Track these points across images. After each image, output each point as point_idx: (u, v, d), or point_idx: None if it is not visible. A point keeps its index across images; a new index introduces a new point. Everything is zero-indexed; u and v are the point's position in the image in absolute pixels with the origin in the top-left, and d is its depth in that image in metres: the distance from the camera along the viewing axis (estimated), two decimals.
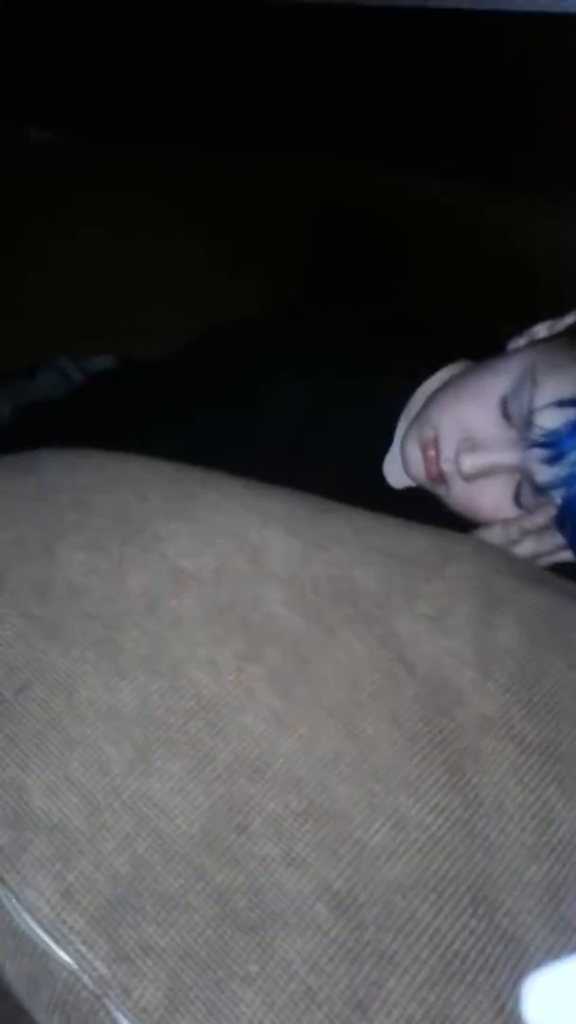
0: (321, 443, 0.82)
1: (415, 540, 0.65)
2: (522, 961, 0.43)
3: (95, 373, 0.99)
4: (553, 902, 0.46)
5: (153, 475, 0.63)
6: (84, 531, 0.54)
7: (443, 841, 0.46)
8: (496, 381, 0.76)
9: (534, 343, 0.81)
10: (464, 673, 0.55)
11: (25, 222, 1.09)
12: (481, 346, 0.85)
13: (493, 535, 0.77)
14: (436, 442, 0.77)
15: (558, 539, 0.75)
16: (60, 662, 0.47)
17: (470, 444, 0.75)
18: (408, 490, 0.84)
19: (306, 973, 0.41)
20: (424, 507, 0.78)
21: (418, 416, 0.81)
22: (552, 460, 0.70)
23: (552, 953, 0.44)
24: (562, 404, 0.70)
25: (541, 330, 0.83)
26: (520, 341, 0.83)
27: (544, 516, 0.73)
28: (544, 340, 0.81)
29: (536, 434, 0.71)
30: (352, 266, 1.04)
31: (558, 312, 0.83)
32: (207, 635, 0.52)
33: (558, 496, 0.71)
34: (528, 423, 0.72)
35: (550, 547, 0.76)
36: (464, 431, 0.76)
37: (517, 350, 0.81)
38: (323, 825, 0.46)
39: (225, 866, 0.43)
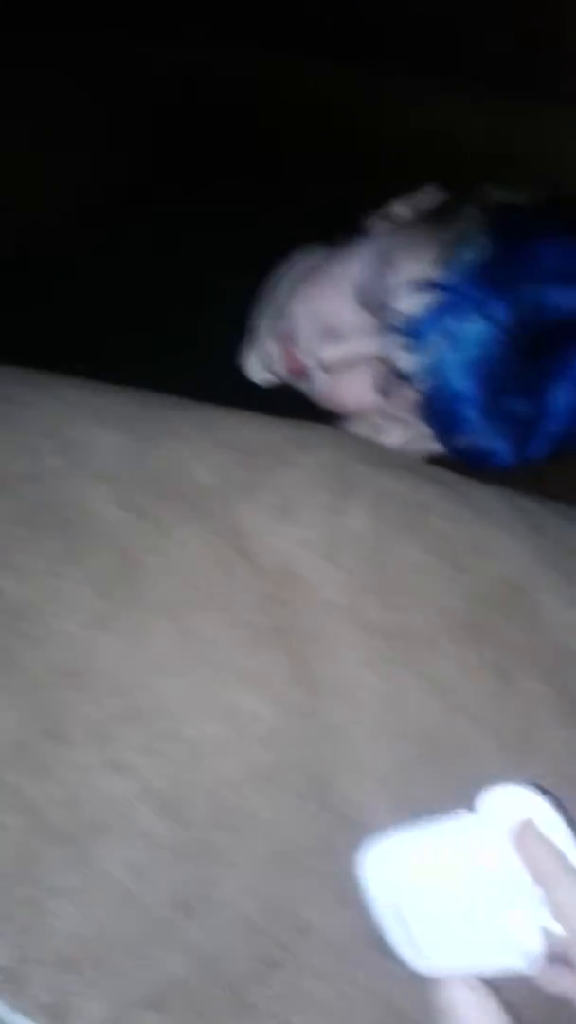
0: (173, 348, 0.77)
1: (268, 432, 0.61)
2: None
3: None
4: (400, 786, 0.44)
5: None
6: None
7: (281, 731, 0.43)
8: (351, 265, 0.71)
9: (392, 225, 0.77)
10: (311, 562, 0.52)
11: None
12: (338, 228, 0.81)
13: (359, 427, 0.74)
14: (294, 335, 0.73)
15: (425, 428, 0.72)
16: None
17: (329, 335, 0.71)
18: (274, 388, 0.80)
19: (127, 879, 0.38)
20: (291, 405, 0.74)
21: (275, 309, 0.76)
22: (412, 347, 0.66)
23: None
24: (420, 288, 0.66)
25: (400, 209, 0.79)
26: (376, 221, 0.79)
27: (405, 403, 0.70)
28: (404, 223, 0.77)
29: (394, 319, 0.67)
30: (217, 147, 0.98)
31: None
32: (18, 539, 0.47)
33: (421, 385, 0.68)
34: (384, 307, 0.68)
35: (417, 435, 0.73)
36: (322, 321, 0.71)
37: (373, 232, 0.77)
38: (148, 726, 0.42)
39: (38, 779, 0.40)
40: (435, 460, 0.73)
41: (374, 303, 0.69)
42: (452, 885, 0.37)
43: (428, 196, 0.76)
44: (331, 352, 0.71)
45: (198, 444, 0.57)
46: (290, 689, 0.46)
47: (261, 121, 0.97)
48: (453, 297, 0.64)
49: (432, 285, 0.65)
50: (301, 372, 0.74)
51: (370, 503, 0.58)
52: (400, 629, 0.50)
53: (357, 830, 0.41)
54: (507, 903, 0.36)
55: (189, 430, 0.59)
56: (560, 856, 0.36)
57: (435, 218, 0.71)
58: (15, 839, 0.38)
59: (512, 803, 0.37)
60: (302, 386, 0.76)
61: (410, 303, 0.66)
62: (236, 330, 0.79)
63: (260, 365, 0.78)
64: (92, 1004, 0.36)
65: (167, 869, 0.39)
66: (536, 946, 0.36)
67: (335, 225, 0.82)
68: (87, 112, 0.88)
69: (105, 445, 0.54)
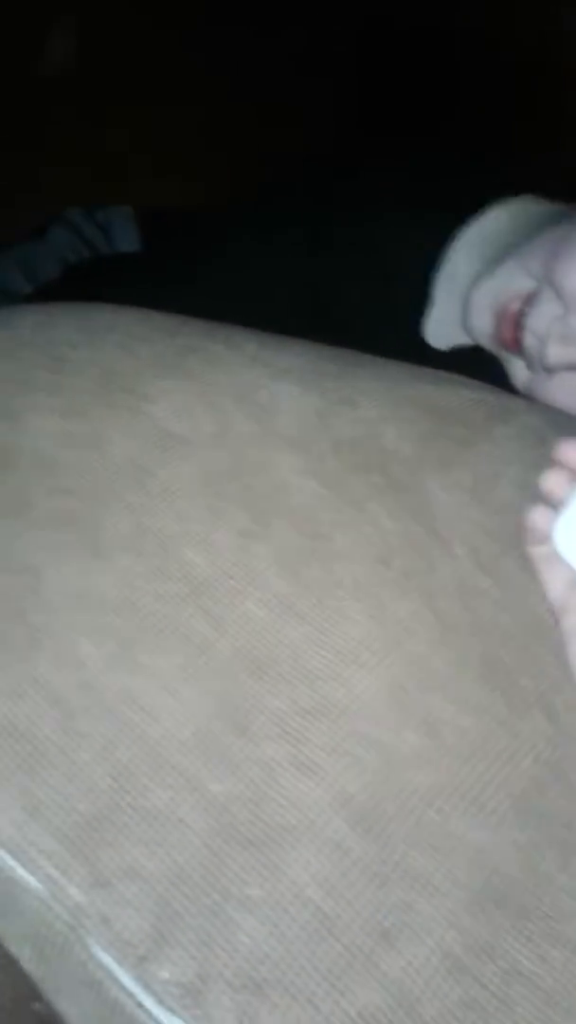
0: (347, 307, 0.71)
1: (463, 397, 0.55)
2: None
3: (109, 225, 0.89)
4: None
5: (146, 328, 0.54)
6: (58, 393, 0.46)
7: (483, 747, 0.39)
8: None
9: None
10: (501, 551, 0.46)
11: None
12: (547, 176, 0.72)
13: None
14: (524, 302, 0.63)
15: None
16: (23, 543, 0.40)
17: (565, 332, 0.61)
18: (458, 351, 0.73)
19: (321, 898, 0.35)
20: (477, 373, 0.63)
21: (502, 259, 0.65)
22: None
23: None
24: None
25: None
26: None
27: None
28: None
29: None
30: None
31: None
32: (203, 509, 0.44)
33: None
34: None
35: None
36: (565, 305, 0.61)
37: None
38: (339, 725, 0.38)
39: (222, 774, 0.37)
40: None
41: None
42: None
43: None
44: (561, 353, 0.61)
45: (389, 404, 0.52)
46: (492, 699, 0.41)
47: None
48: None
49: None
50: (515, 346, 0.64)
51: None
52: None
53: (573, 862, 0.36)
54: None
55: (381, 389, 0.54)
56: None
57: None
58: (200, 839, 0.35)
59: None
60: (505, 359, 0.67)
61: None
62: (417, 295, 0.72)
63: (446, 328, 0.71)
64: None
65: (365, 890, 0.35)
66: None
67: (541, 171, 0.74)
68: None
69: (293, 407, 0.49)
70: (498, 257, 0.66)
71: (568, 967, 0.35)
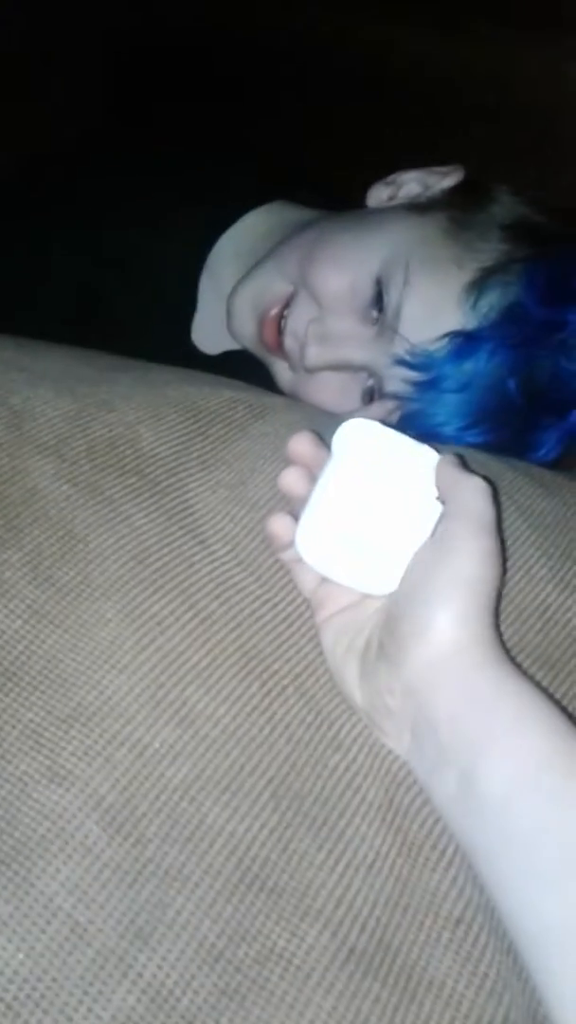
0: (113, 314, 0.71)
1: (221, 396, 0.56)
2: (342, 858, 0.38)
3: None
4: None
5: None
6: None
7: (237, 734, 0.39)
8: (366, 254, 0.61)
9: (406, 206, 0.66)
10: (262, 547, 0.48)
11: None
12: (298, 184, 0.74)
13: None
14: (283, 305, 0.64)
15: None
16: None
17: (321, 333, 0.62)
18: (225, 355, 0.72)
19: (72, 905, 0.34)
20: (244, 375, 0.63)
21: (260, 264, 0.67)
22: (422, 384, 0.58)
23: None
24: (446, 334, 0.57)
25: (412, 184, 0.67)
26: (383, 194, 0.68)
27: (382, 412, 0.62)
28: (418, 207, 0.65)
29: (402, 347, 0.59)
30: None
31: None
32: None
33: (408, 407, 0.60)
34: (394, 328, 0.59)
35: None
36: (320, 307, 0.62)
37: (384, 211, 0.66)
38: (94, 728, 0.38)
39: None
40: None
41: (387, 310, 0.60)
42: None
43: (446, 174, 0.67)
44: (319, 354, 0.62)
45: (148, 406, 0.52)
46: (245, 687, 0.41)
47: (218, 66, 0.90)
48: (472, 343, 0.57)
49: (456, 334, 0.57)
50: (277, 348, 0.65)
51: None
52: None
53: (330, 835, 0.38)
54: None
55: (141, 391, 0.53)
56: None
57: (457, 226, 0.62)
58: None
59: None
60: (269, 361, 0.68)
61: (420, 332, 0.58)
62: (183, 298, 0.72)
63: (212, 332, 0.72)
64: None
65: (116, 892, 0.35)
66: None
67: (291, 178, 0.76)
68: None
69: (48, 411, 0.48)
70: (255, 261, 0.67)
71: (320, 941, 0.36)
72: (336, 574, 0.42)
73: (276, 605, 0.45)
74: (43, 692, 0.39)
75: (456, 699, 0.37)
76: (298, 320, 0.63)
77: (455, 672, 0.38)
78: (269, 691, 0.41)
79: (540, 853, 0.34)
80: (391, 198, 0.68)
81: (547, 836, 0.34)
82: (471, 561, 0.38)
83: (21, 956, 0.33)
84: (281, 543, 0.43)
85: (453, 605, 0.38)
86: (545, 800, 0.35)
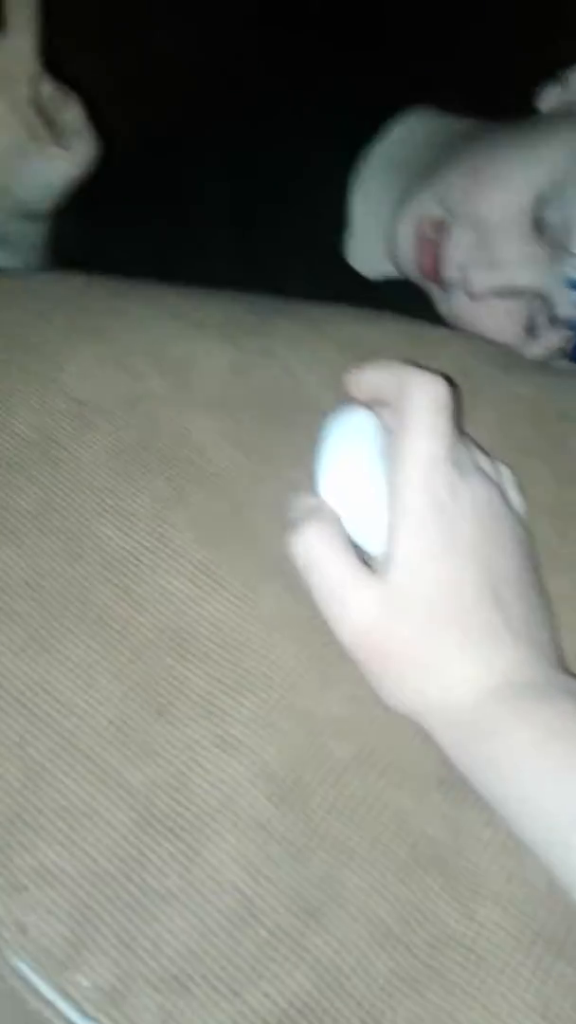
0: (265, 240, 0.68)
1: (384, 327, 0.53)
2: (505, 848, 0.35)
3: None
4: None
5: (60, 289, 0.51)
6: None
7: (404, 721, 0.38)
8: (530, 170, 0.57)
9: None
10: None
11: None
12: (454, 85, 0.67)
13: None
14: (442, 232, 0.60)
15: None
16: None
17: (486, 257, 0.58)
18: (386, 282, 0.67)
19: (243, 880, 0.34)
20: (407, 303, 0.61)
21: (418, 188, 0.62)
22: None
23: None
24: None
25: None
26: (552, 96, 0.62)
27: (550, 343, 0.59)
28: None
29: (574, 268, 0.55)
30: None
31: None
32: (116, 480, 0.42)
33: None
34: (565, 247, 0.55)
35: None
36: (482, 233, 0.58)
37: (553, 117, 0.61)
38: (264, 698, 0.37)
39: (142, 762, 0.36)
40: None
41: (552, 231, 0.56)
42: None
43: None
44: (486, 280, 0.58)
45: (311, 349, 0.50)
46: None
47: None
48: None
49: None
50: (435, 277, 0.61)
51: (496, 408, 0.49)
52: None
53: (490, 814, 0.35)
54: None
55: (305, 333, 0.51)
56: None
57: None
58: (119, 835, 0.34)
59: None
60: (431, 288, 0.64)
61: None
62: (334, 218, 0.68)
63: (370, 253, 0.67)
64: None
65: (286, 867, 0.34)
66: None
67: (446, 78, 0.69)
68: None
69: (210, 363, 0.47)
70: (412, 180, 0.63)
71: (493, 919, 0.34)
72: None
73: None
74: (212, 659, 0.38)
75: None
76: (460, 245, 0.59)
77: None
78: None
79: None
80: (564, 101, 0.62)
81: None
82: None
83: (194, 932, 0.33)
84: None
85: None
86: None
